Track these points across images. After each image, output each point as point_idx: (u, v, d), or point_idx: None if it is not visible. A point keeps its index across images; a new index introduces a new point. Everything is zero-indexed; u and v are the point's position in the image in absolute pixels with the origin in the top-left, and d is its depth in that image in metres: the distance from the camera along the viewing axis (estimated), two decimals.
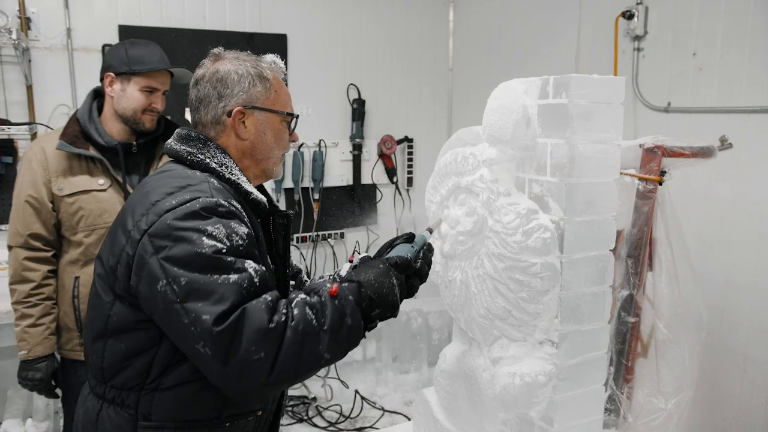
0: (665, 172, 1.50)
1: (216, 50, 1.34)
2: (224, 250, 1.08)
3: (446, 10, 4.13)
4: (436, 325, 3.90)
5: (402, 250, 1.31)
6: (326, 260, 3.96)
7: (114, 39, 3.16)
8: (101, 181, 1.98)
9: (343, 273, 1.23)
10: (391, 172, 4.04)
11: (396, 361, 3.89)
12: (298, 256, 3.82)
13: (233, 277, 1.07)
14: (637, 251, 1.49)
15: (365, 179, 3.99)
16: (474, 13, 3.94)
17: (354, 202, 4.00)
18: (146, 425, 1.18)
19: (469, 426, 1.59)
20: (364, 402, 3.63)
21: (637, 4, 2.66)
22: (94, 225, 1.97)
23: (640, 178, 1.51)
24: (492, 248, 1.38)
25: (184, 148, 1.27)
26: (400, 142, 4.04)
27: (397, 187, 4.10)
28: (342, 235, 3.98)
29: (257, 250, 1.19)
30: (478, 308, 1.45)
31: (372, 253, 1.36)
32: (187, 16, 3.36)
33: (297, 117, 1.37)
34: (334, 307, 1.12)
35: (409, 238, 1.36)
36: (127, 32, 3.17)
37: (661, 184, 1.49)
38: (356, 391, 3.66)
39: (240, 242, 1.12)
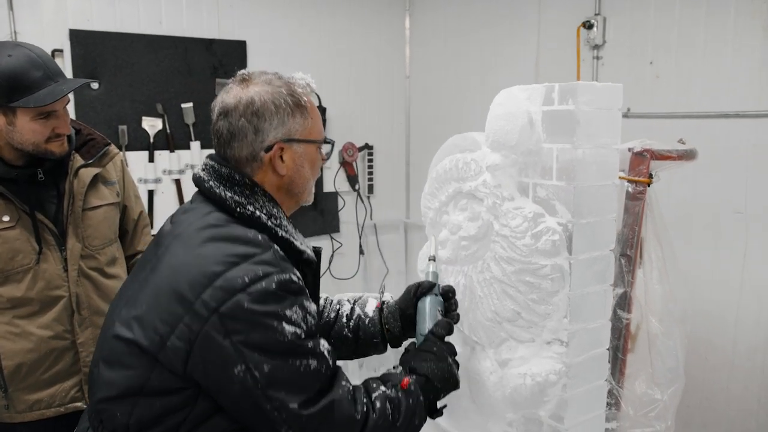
0: (652, 174, 1.58)
1: (243, 73, 1.21)
2: (302, 336, 1.09)
3: (402, 17, 4.17)
4: None
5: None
6: None
7: (65, 44, 3.00)
8: (6, 218, 1.62)
9: (386, 297, 1.40)
10: (352, 180, 4.03)
11: (362, 368, 3.86)
12: None
13: (313, 363, 1.10)
14: (630, 250, 1.56)
15: (327, 187, 3.96)
16: (430, 20, 3.99)
17: (316, 210, 3.96)
18: None
19: (473, 428, 1.61)
20: None
21: (596, 14, 2.78)
22: (6, 271, 1.63)
23: (629, 181, 1.58)
24: (500, 252, 1.40)
25: (230, 195, 1.15)
26: (361, 149, 4.04)
27: (359, 195, 4.10)
28: None
29: None
30: (485, 311, 1.47)
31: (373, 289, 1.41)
32: (142, 21, 3.23)
33: (333, 143, 1.31)
34: (407, 405, 1.20)
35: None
36: (78, 37, 3.02)
37: (649, 185, 1.57)
38: None
39: (312, 322, 1.12)
